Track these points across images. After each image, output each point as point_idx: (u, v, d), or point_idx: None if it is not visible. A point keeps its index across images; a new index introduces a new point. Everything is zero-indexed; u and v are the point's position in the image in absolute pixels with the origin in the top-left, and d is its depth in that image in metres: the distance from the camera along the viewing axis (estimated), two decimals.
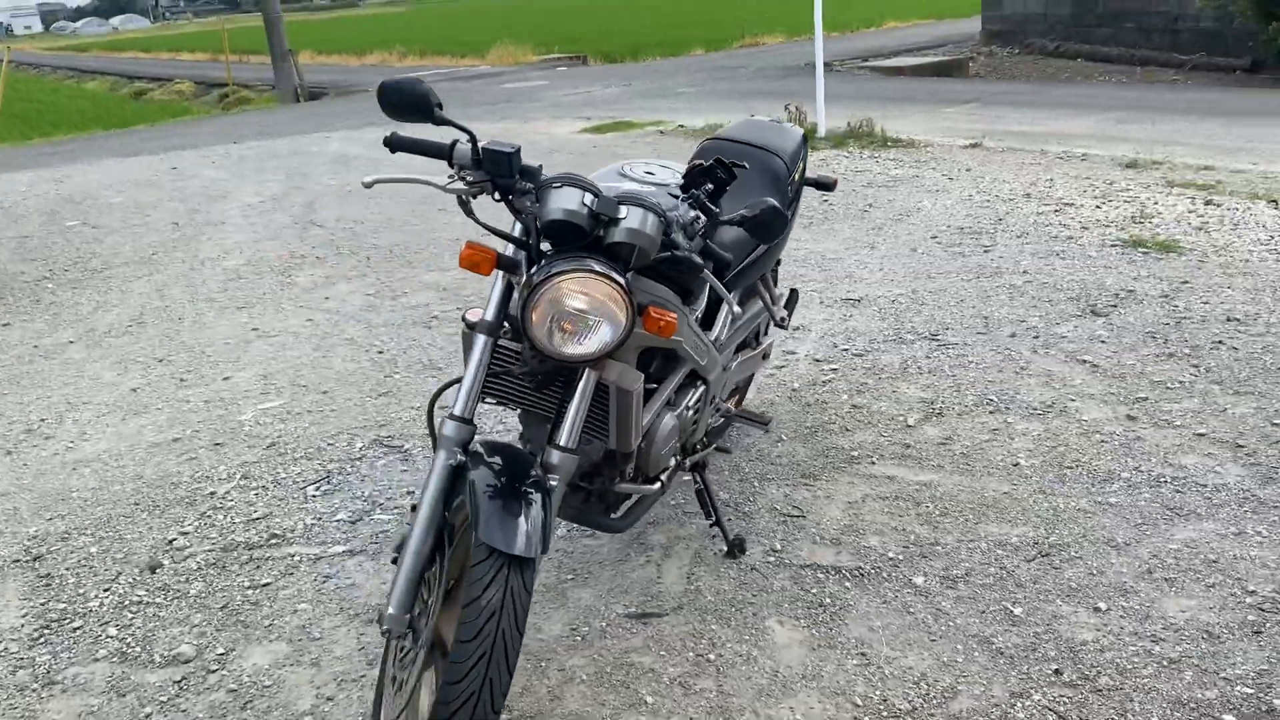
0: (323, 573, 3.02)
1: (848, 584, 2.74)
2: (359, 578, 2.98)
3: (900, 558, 2.84)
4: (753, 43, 20.75)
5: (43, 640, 2.75)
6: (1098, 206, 6.36)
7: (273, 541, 3.20)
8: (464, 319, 2.33)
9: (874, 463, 3.36)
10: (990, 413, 3.65)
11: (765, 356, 3.39)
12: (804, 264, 5.56)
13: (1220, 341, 4.06)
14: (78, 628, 2.80)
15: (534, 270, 2.07)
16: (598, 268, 2.01)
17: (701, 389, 2.66)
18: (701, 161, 2.32)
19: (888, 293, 4.99)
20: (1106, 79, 13.69)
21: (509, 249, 2.21)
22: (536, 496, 2.01)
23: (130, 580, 3.02)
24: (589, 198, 2.04)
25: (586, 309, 2.03)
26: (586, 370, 2.19)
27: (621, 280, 2.02)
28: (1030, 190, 6.97)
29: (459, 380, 2.16)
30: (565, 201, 2.04)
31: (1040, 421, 3.55)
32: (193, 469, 3.70)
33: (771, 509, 3.12)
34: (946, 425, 3.58)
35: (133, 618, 2.83)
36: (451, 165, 2.18)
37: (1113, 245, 5.46)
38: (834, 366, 4.15)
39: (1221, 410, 3.52)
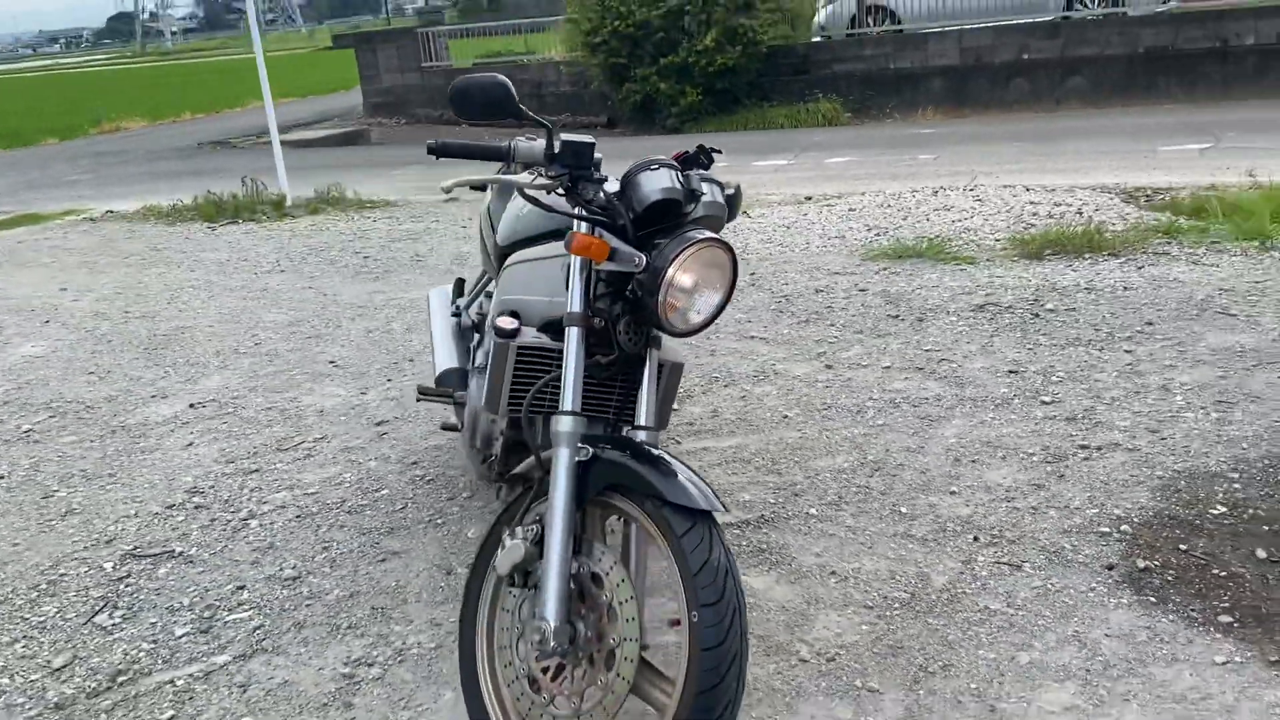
0: (237, 683, 2.60)
1: (765, 531, 3.07)
2: (283, 674, 2.62)
3: (781, 500, 3.23)
4: (114, 129, 19.24)
5: None
6: None
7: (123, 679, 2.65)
8: (496, 328, 2.27)
9: (679, 442, 3.70)
10: (725, 386, 4.18)
11: None
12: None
13: (826, 308, 5.02)
14: None
15: (665, 245, 2.10)
16: (715, 237, 2.14)
17: None
18: (688, 150, 2.49)
19: None
20: (499, 140, 15.11)
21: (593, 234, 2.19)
22: (678, 464, 2.07)
23: None
24: (679, 175, 2.15)
25: (717, 278, 2.14)
26: (650, 350, 2.27)
27: (732, 248, 2.17)
28: None
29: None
30: (663, 181, 2.12)
31: (770, 384, 4.16)
32: None
33: None
34: (703, 402, 4.04)
35: None
36: (510, 164, 2.16)
37: None
38: None
39: (881, 350, 4.42)
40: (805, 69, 14.57)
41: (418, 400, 3.24)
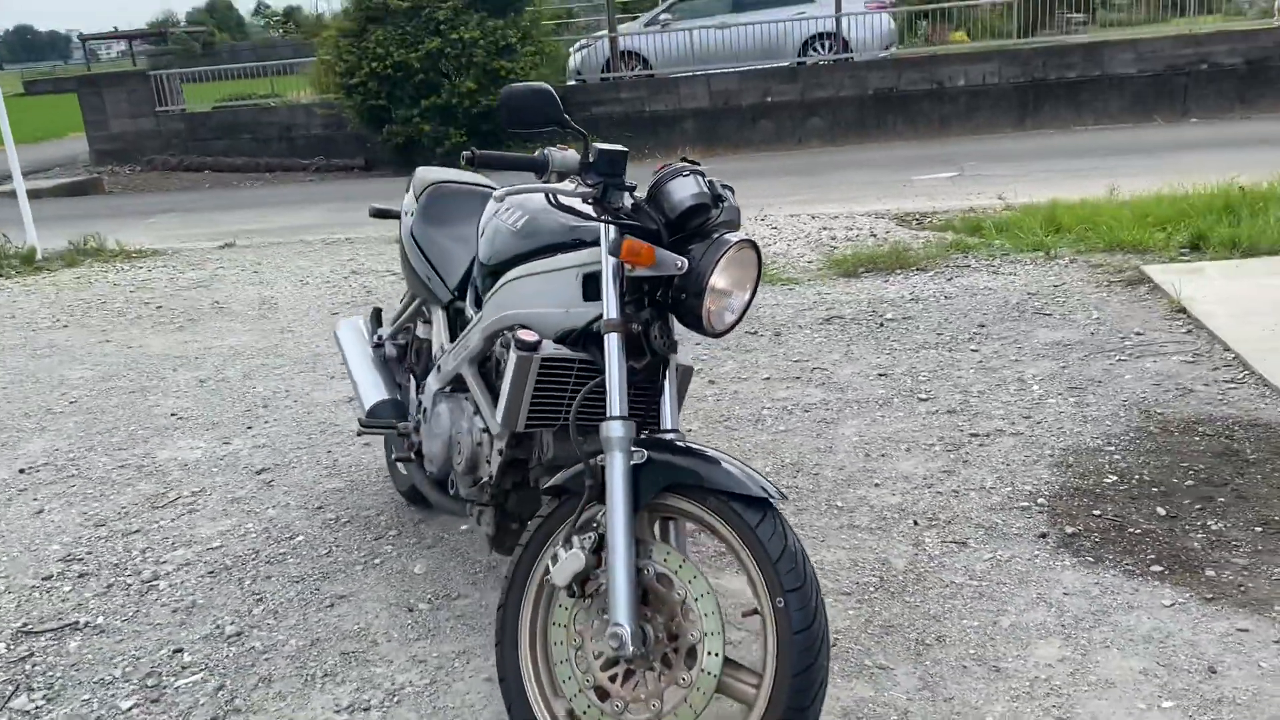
0: None
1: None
2: None
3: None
4: None
5: None
6: None
7: None
8: (518, 340, 2.25)
9: None
10: None
11: None
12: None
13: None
14: None
15: (704, 249, 2.14)
16: (748, 239, 2.21)
17: None
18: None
19: None
20: (248, 184, 14.47)
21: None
22: (727, 458, 2.13)
23: None
24: (705, 181, 2.21)
25: (748, 278, 2.21)
26: (671, 354, 2.32)
27: (759, 247, 2.25)
28: (350, 266, 7.49)
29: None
30: (692, 187, 2.18)
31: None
32: None
33: None
34: None
35: None
36: (542, 175, 2.16)
37: None
38: None
39: (754, 363, 4.63)
40: (566, 111, 14.85)
41: (359, 434, 3.11)
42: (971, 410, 3.92)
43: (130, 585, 3.17)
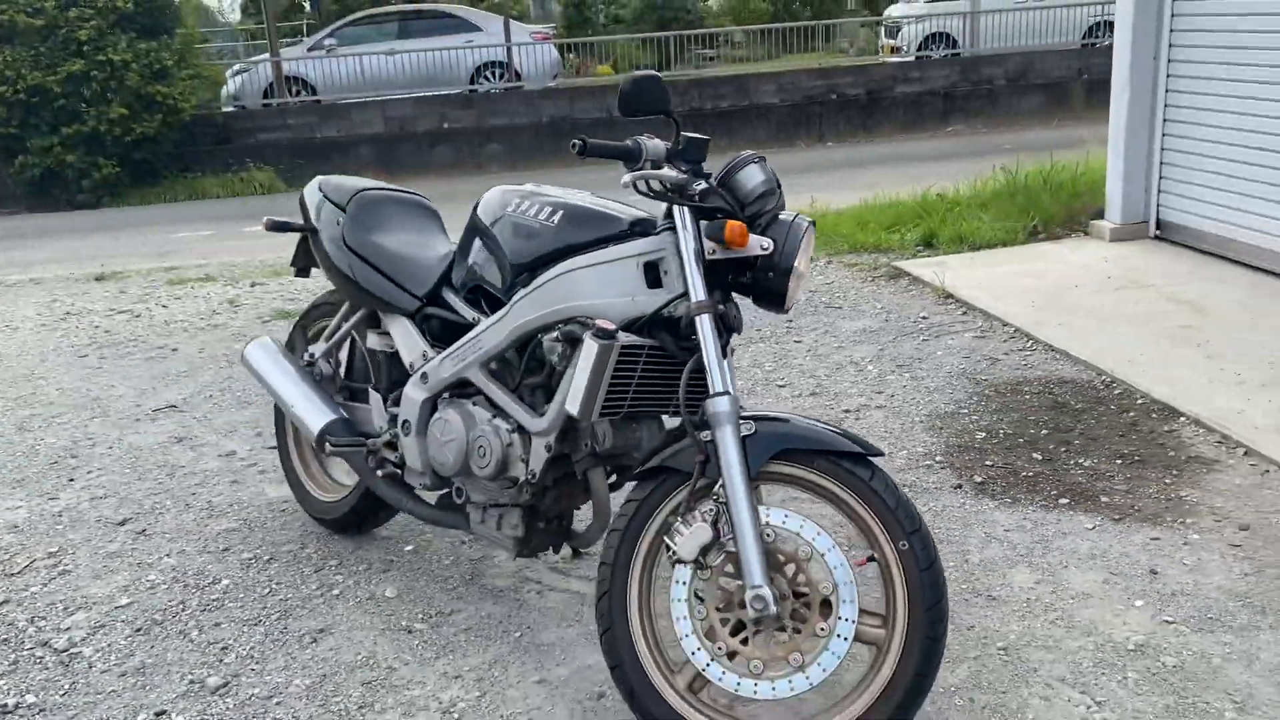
0: None
1: None
2: None
3: None
4: None
5: None
6: (164, 306, 6.62)
7: None
8: (598, 329, 2.27)
9: None
10: None
11: None
12: None
13: None
14: None
15: (783, 231, 2.27)
16: (813, 220, 2.36)
17: None
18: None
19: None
20: None
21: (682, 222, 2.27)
22: (819, 423, 2.29)
23: None
24: (768, 168, 2.35)
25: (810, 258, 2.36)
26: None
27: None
28: (60, 309, 6.74)
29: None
30: (762, 174, 2.30)
31: None
32: None
33: None
34: None
35: None
36: (639, 163, 2.21)
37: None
38: None
39: None
40: (228, 138, 14.08)
41: (329, 454, 2.91)
42: (829, 391, 4.29)
43: (43, 658, 2.76)
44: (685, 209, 2.27)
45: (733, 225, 2.21)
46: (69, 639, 2.82)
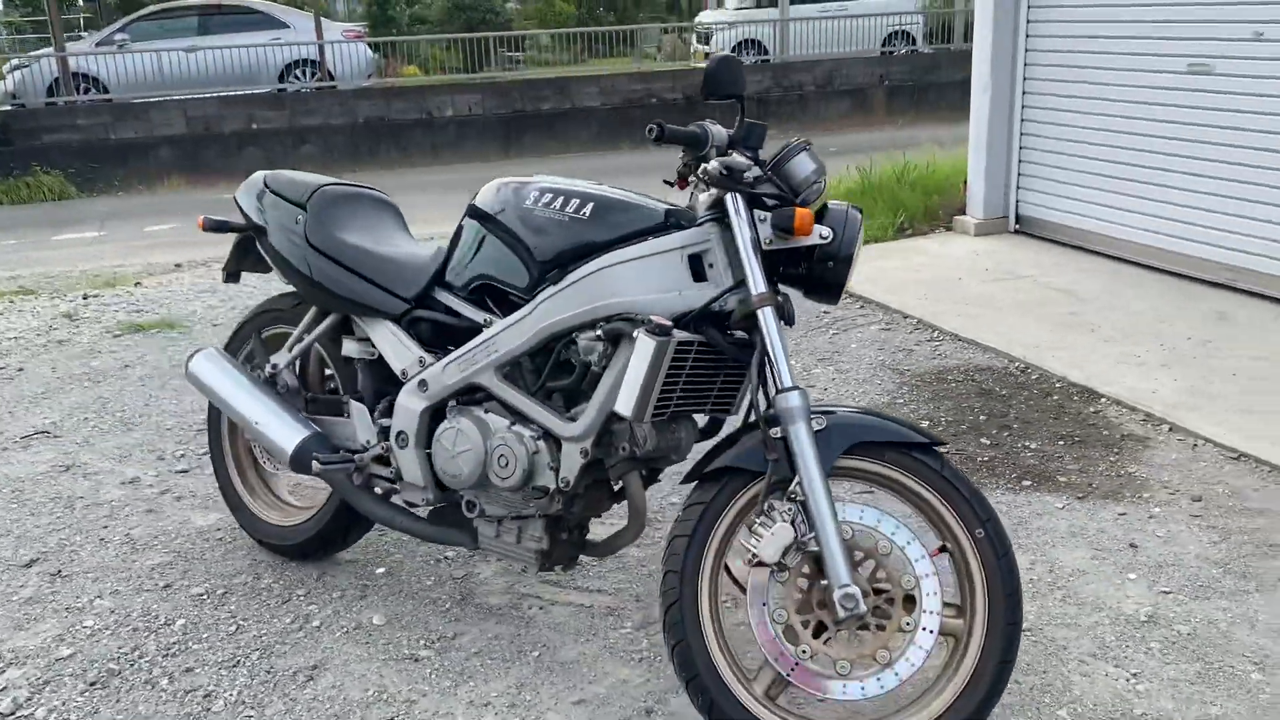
0: None
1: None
2: None
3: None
4: None
5: None
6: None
7: None
8: (654, 325, 2.15)
9: None
10: None
11: None
12: None
13: None
14: None
15: (841, 220, 2.21)
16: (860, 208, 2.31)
17: None
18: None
19: None
20: None
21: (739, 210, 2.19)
22: (885, 416, 2.26)
23: None
24: (815, 155, 2.28)
25: None
26: None
27: None
28: None
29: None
30: (813, 162, 2.23)
31: None
32: None
33: None
34: None
35: None
36: (705, 149, 2.13)
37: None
38: None
39: None
40: (8, 140, 12.87)
41: (317, 474, 2.65)
42: None
43: None
44: (739, 197, 2.19)
45: (802, 213, 2.15)
46: (13, 700, 2.45)
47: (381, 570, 2.99)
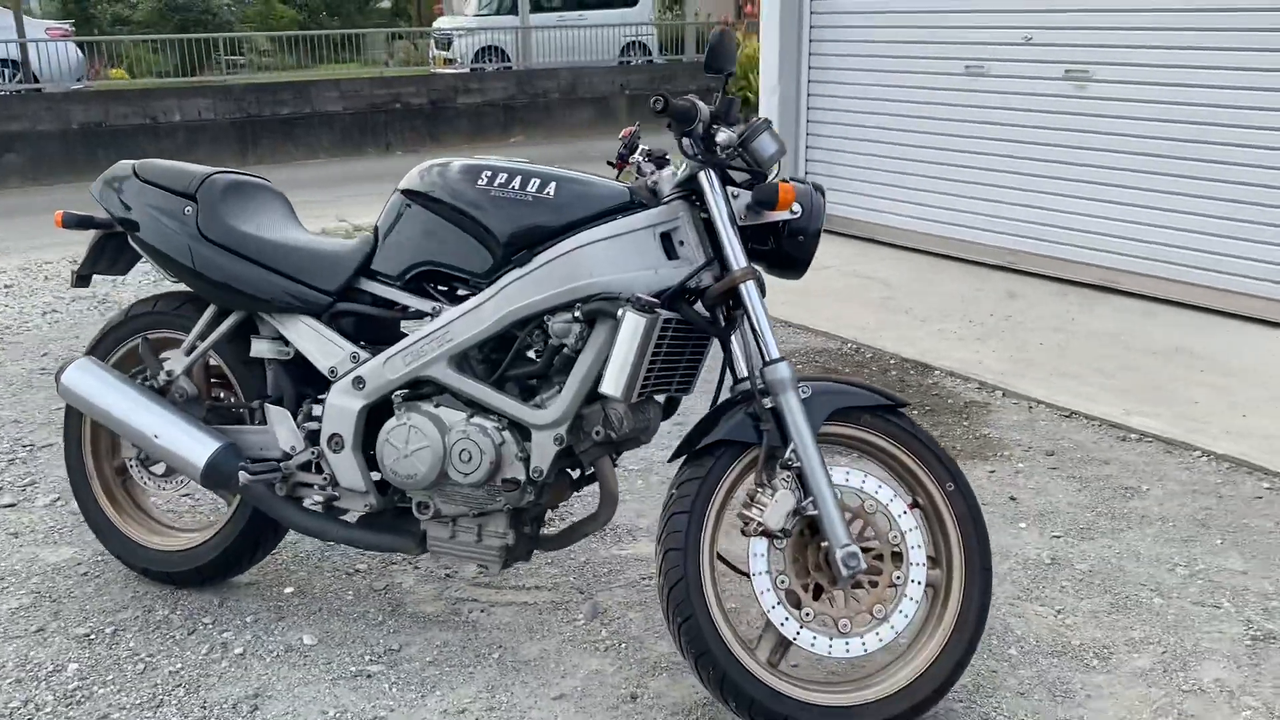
0: None
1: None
2: None
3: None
4: None
5: None
6: None
7: None
8: (641, 302, 2.13)
9: None
10: None
11: None
12: None
13: None
14: None
15: (811, 188, 2.25)
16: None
17: None
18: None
19: None
20: None
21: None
22: (853, 379, 2.34)
23: None
24: (776, 133, 2.31)
25: None
26: None
27: None
28: None
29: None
30: (774, 140, 2.25)
31: None
32: None
33: None
34: None
35: None
36: (691, 123, 2.13)
37: None
38: None
39: None
40: None
41: (246, 484, 2.41)
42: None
43: None
44: (714, 173, 2.21)
45: (785, 187, 2.19)
46: None
47: (290, 590, 2.77)
